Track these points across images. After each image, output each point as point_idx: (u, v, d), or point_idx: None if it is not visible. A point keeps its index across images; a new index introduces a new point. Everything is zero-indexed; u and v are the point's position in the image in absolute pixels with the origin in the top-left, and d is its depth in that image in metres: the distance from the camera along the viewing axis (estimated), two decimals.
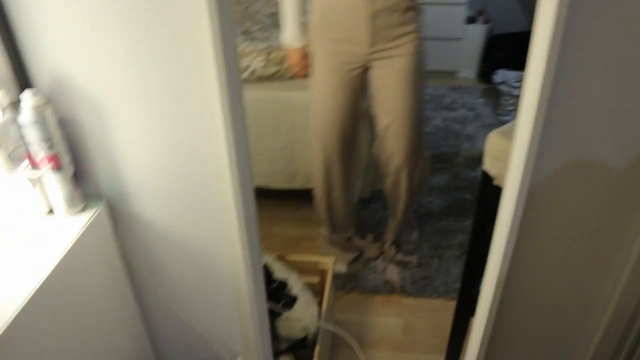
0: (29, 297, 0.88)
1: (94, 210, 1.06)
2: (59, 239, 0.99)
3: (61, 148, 0.99)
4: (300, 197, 2.33)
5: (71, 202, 1.03)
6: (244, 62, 2.07)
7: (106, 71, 0.97)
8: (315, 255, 2.07)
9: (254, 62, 2.06)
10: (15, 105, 0.97)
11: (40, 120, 0.95)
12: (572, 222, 1.04)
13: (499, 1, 3.57)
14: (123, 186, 1.09)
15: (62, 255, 0.96)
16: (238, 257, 1.13)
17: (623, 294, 1.07)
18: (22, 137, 0.98)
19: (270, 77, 2.08)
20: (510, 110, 3.15)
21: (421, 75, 1.76)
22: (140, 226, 1.14)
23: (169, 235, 1.15)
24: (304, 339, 1.45)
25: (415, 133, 1.82)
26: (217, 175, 1.04)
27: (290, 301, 1.50)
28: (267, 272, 1.55)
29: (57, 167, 0.99)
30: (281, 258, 1.67)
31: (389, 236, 2.13)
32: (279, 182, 2.27)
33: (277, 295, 1.50)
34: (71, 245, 0.99)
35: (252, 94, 2.13)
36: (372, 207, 2.38)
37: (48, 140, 0.97)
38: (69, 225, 1.02)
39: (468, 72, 3.71)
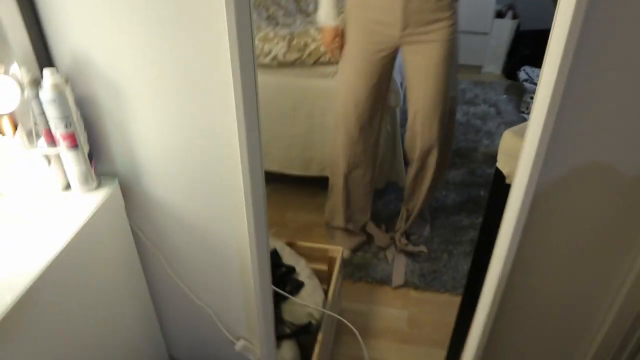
0: (43, 269, 0.91)
1: (108, 188, 1.09)
2: (74, 215, 1.02)
3: (78, 127, 1.02)
4: (316, 184, 2.35)
5: (86, 180, 1.06)
6: (266, 47, 2.08)
7: (125, 52, 0.99)
8: (326, 242, 2.09)
9: (276, 47, 2.06)
10: (37, 82, 1.00)
11: (59, 99, 0.97)
12: (577, 227, 1.03)
13: None
14: (136, 165, 1.12)
15: (76, 231, 0.99)
16: (245, 239, 1.15)
17: (626, 301, 1.06)
18: (41, 114, 1.01)
19: (292, 64, 2.08)
20: None
21: (453, 63, 1.75)
22: (152, 205, 1.17)
23: (179, 214, 1.17)
24: (308, 324, 1.47)
25: (444, 121, 1.83)
26: (228, 158, 1.06)
27: (297, 287, 1.52)
28: (277, 257, 1.58)
29: (74, 145, 1.02)
30: (291, 244, 1.69)
31: (401, 226, 2.14)
32: (294, 169, 2.28)
33: (284, 280, 1.52)
34: (85, 221, 1.02)
35: (273, 80, 2.14)
36: (386, 199, 2.38)
37: (66, 118, 0.99)
38: (84, 202, 1.05)
39: (493, 67, 3.66)
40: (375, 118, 1.87)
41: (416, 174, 1.97)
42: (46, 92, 0.97)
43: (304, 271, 1.57)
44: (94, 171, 1.08)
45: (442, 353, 1.59)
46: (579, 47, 0.82)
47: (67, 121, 1.00)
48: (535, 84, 3.29)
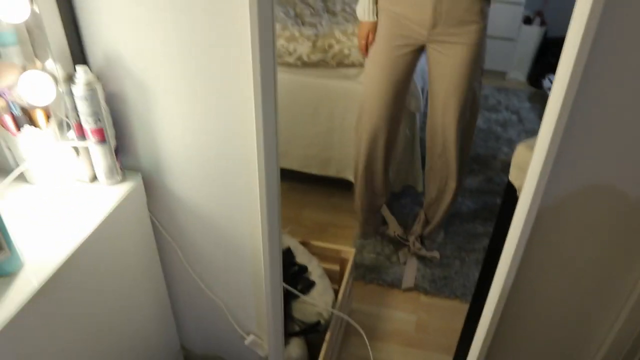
0: (68, 256, 0.96)
1: (132, 182, 1.14)
2: (98, 206, 1.07)
3: (107, 122, 1.07)
4: (333, 184, 2.38)
5: (111, 173, 1.11)
6: (291, 46, 2.11)
7: (154, 52, 1.03)
8: (340, 243, 2.12)
9: (301, 47, 2.10)
10: (70, 78, 1.05)
11: (91, 96, 1.02)
12: (581, 244, 1.05)
13: (559, 3, 3.46)
14: (159, 161, 1.16)
15: (100, 221, 1.04)
16: (259, 238, 1.18)
17: (629, 318, 1.07)
18: (73, 109, 1.05)
19: (315, 64, 2.11)
20: None
21: (478, 67, 1.76)
22: (172, 200, 1.21)
23: (197, 210, 1.21)
24: (317, 323, 1.50)
25: (465, 123, 1.84)
26: (245, 159, 1.09)
27: (308, 286, 1.55)
28: (290, 256, 1.61)
29: (102, 139, 1.07)
30: (305, 243, 1.73)
31: (417, 230, 2.16)
32: (312, 168, 2.32)
33: (296, 278, 1.56)
34: (109, 212, 1.07)
35: (296, 79, 2.17)
36: (402, 202, 2.40)
37: (95, 114, 1.04)
38: (108, 194, 1.10)
39: (518, 74, 3.63)
40: (400, 111, 1.90)
41: (435, 176, 2.00)
42: (79, 88, 1.01)
43: (315, 271, 1.61)
44: (119, 165, 1.13)
45: (448, 359, 1.61)
46: (587, 71, 0.84)
47: (96, 117, 1.04)
48: None
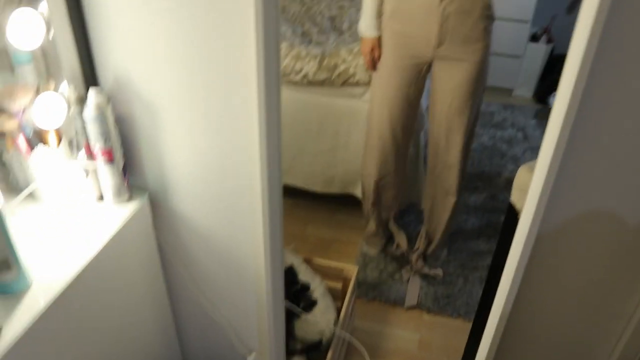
0: (75, 276, 0.98)
1: (138, 201, 1.16)
2: (106, 225, 1.09)
3: (115, 143, 1.10)
4: (337, 201, 2.40)
5: (119, 193, 1.13)
6: (298, 65, 2.14)
7: (163, 76, 1.06)
8: (344, 259, 2.14)
9: (307, 66, 2.13)
10: (82, 100, 1.08)
11: (101, 117, 1.05)
12: (581, 269, 1.06)
13: (566, 20, 3.48)
14: (165, 181, 1.19)
15: (107, 240, 1.07)
16: (262, 258, 1.20)
17: (629, 344, 1.08)
18: (84, 129, 1.08)
19: (321, 83, 2.14)
20: None
21: (482, 84, 1.78)
22: (177, 219, 1.24)
23: (201, 229, 1.24)
24: (319, 342, 1.52)
25: (467, 139, 1.86)
26: (249, 180, 1.12)
27: (310, 304, 1.57)
28: (293, 274, 1.63)
29: (110, 160, 1.09)
30: (308, 260, 1.74)
31: (420, 247, 2.17)
32: (316, 185, 2.34)
33: (298, 297, 1.58)
34: (116, 231, 1.09)
35: (302, 97, 2.20)
36: (406, 220, 2.41)
37: (105, 135, 1.07)
38: (115, 213, 1.13)
39: (524, 90, 3.64)
40: (407, 127, 1.93)
41: (434, 192, 2.02)
42: (90, 110, 1.04)
43: (318, 289, 1.62)
44: (127, 185, 1.15)
45: None
46: (585, 97, 0.86)
47: (106, 137, 1.07)
48: None
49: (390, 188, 2.07)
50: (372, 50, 1.81)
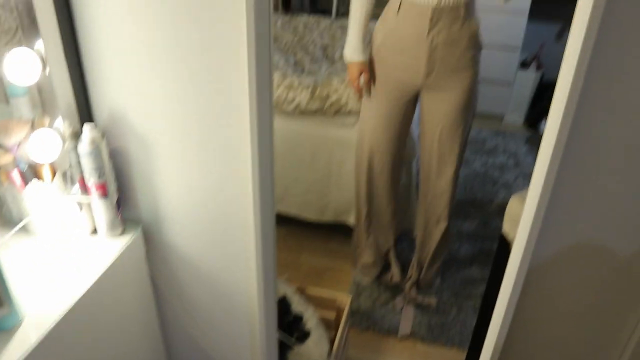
0: (67, 310, 0.98)
1: (132, 234, 1.17)
2: (99, 259, 1.10)
3: (110, 177, 1.11)
4: (330, 229, 2.41)
5: (112, 226, 1.14)
6: (290, 95, 2.17)
7: (157, 110, 1.08)
8: (338, 288, 2.13)
9: (300, 96, 2.16)
10: (77, 135, 1.09)
11: (95, 152, 1.06)
12: (572, 301, 1.07)
13: (555, 48, 3.56)
14: (159, 214, 1.20)
15: (99, 274, 1.07)
16: (255, 290, 1.21)
17: None
18: (78, 164, 1.10)
19: (313, 113, 2.17)
20: None
21: (471, 113, 1.81)
22: (170, 251, 1.24)
23: (194, 261, 1.24)
24: None
25: (458, 166, 1.89)
26: (242, 212, 1.13)
27: (303, 335, 1.56)
28: (286, 304, 1.63)
29: (104, 194, 1.10)
30: (301, 291, 1.74)
31: (412, 275, 2.17)
32: (310, 214, 2.35)
33: (291, 328, 1.57)
34: (109, 265, 1.09)
35: (294, 126, 2.23)
36: (399, 248, 2.42)
37: (99, 169, 1.08)
38: (109, 247, 1.13)
39: (515, 117, 3.69)
40: (396, 156, 1.95)
41: (426, 219, 2.03)
42: (84, 145, 1.06)
43: (311, 319, 1.62)
44: (120, 218, 1.16)
45: None
46: (573, 131, 0.88)
47: (100, 172, 1.08)
48: None
49: (382, 217, 2.08)
50: (361, 74, 1.81)
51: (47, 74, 1.08)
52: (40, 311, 0.98)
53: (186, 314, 1.32)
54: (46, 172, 1.11)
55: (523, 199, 1.35)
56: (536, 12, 3.32)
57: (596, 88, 0.86)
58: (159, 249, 1.24)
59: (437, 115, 1.80)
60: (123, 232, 1.17)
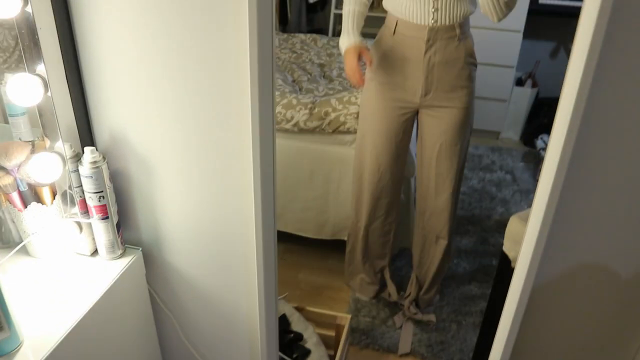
0: (66, 333, 0.98)
1: (132, 256, 1.17)
2: (98, 281, 1.10)
3: (110, 199, 1.11)
4: (329, 247, 2.40)
5: (112, 248, 1.14)
6: (289, 114, 2.19)
7: (158, 132, 1.09)
8: (336, 306, 2.13)
9: (298, 115, 2.17)
10: (78, 157, 1.10)
11: (96, 174, 1.07)
12: (575, 324, 1.07)
13: (549, 65, 3.60)
14: (159, 235, 1.20)
15: (99, 296, 1.07)
16: (255, 310, 1.21)
17: None
18: (79, 186, 1.10)
19: (312, 131, 2.18)
20: None
21: (468, 129, 1.83)
22: (170, 272, 1.24)
23: (195, 282, 1.24)
24: None
25: (456, 184, 1.89)
26: (244, 233, 1.13)
27: (304, 354, 1.55)
28: (286, 323, 1.62)
29: (105, 216, 1.11)
30: (300, 309, 1.74)
31: (411, 293, 2.17)
32: (308, 231, 2.35)
33: (291, 346, 1.56)
34: (108, 287, 1.09)
35: (293, 144, 2.24)
36: (397, 265, 2.42)
37: (100, 191, 1.09)
38: (108, 269, 1.13)
39: (511, 133, 3.72)
40: (395, 175, 1.95)
41: (424, 237, 2.03)
42: (85, 168, 1.06)
43: (311, 338, 1.61)
44: (121, 240, 1.16)
45: None
46: (576, 153, 0.89)
47: (101, 194, 1.09)
48: None
49: (380, 236, 2.08)
50: (359, 58, 1.70)
51: (49, 95, 1.09)
52: (39, 334, 0.97)
53: (187, 335, 1.32)
54: (46, 193, 1.11)
55: (522, 219, 1.36)
56: (531, 31, 3.37)
57: (599, 110, 0.87)
58: (159, 269, 1.24)
59: (435, 133, 1.81)
60: (123, 254, 1.17)
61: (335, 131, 2.16)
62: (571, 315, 1.08)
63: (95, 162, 1.06)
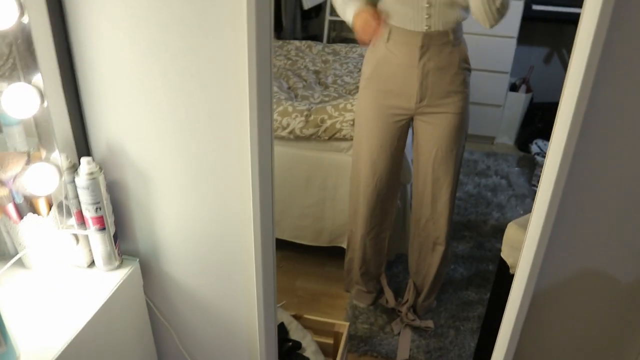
0: (65, 346, 0.97)
1: (129, 267, 1.16)
2: (96, 293, 1.09)
3: (107, 210, 1.10)
4: (326, 254, 2.40)
5: (109, 259, 1.13)
6: (285, 121, 2.19)
7: (154, 142, 1.08)
8: (334, 313, 2.12)
9: (294, 122, 2.17)
10: (74, 168, 1.09)
11: (93, 185, 1.06)
12: (575, 331, 1.07)
13: (543, 71, 3.62)
14: (157, 245, 1.19)
15: (97, 308, 1.06)
16: (254, 320, 1.20)
17: None
18: (75, 197, 1.09)
19: (308, 138, 2.18)
20: None
21: (463, 135, 1.83)
22: (168, 283, 1.23)
23: (193, 292, 1.23)
24: None
25: (452, 191, 1.89)
26: (241, 242, 1.12)
27: None
28: (284, 331, 1.61)
29: (102, 227, 1.10)
30: (298, 317, 1.73)
31: (408, 299, 2.16)
32: (305, 238, 2.34)
33: (290, 355, 1.55)
34: (106, 299, 1.08)
35: (289, 151, 2.24)
36: (394, 271, 2.41)
37: (97, 202, 1.08)
38: (106, 280, 1.12)
39: (506, 138, 3.73)
40: (391, 182, 1.95)
41: (421, 244, 2.03)
42: (82, 179, 1.05)
43: (310, 347, 1.60)
44: (118, 251, 1.15)
45: None
46: (575, 159, 0.89)
47: (97, 205, 1.08)
48: None
49: (376, 244, 2.08)
50: (372, 19, 1.59)
51: (45, 106, 1.08)
52: (36, 348, 0.96)
53: (185, 345, 1.31)
54: (42, 205, 1.10)
55: (520, 226, 1.36)
56: (525, 37, 3.39)
57: (598, 116, 0.87)
58: (157, 280, 1.23)
59: (430, 140, 1.82)
60: (120, 265, 1.16)
61: (331, 138, 2.16)
62: (571, 322, 1.08)
63: (91, 172, 1.05)
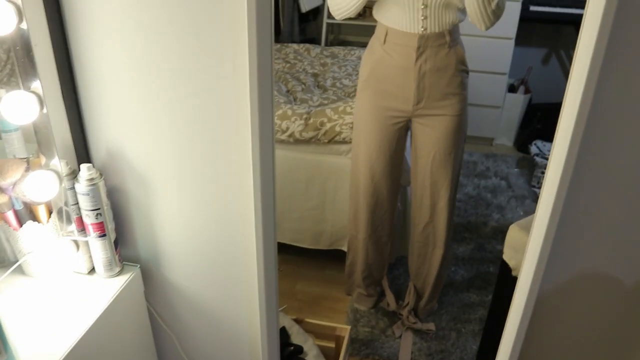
0: (65, 354, 0.96)
1: (130, 273, 1.15)
2: (96, 300, 1.08)
3: (107, 217, 1.10)
4: (326, 256, 2.39)
5: (110, 266, 1.13)
6: (284, 124, 2.18)
7: (154, 148, 1.08)
8: (335, 316, 2.11)
9: (293, 125, 2.17)
10: (74, 174, 1.08)
11: (93, 192, 1.06)
12: (580, 333, 1.07)
13: (542, 72, 3.63)
14: (158, 251, 1.19)
15: (98, 315, 1.05)
16: (257, 326, 1.19)
17: None
18: (75, 204, 1.09)
19: (307, 141, 2.18)
20: None
21: (462, 137, 1.82)
22: (169, 289, 1.22)
23: (194, 298, 1.23)
24: None
25: (452, 193, 1.89)
26: (243, 246, 1.12)
27: None
28: (285, 336, 1.61)
29: (102, 233, 1.09)
30: (299, 321, 1.72)
31: (409, 302, 2.16)
32: (305, 241, 2.34)
33: (292, 359, 1.55)
34: (107, 305, 1.08)
35: (289, 154, 2.23)
36: (395, 273, 2.41)
37: (97, 209, 1.07)
38: (106, 287, 1.12)
39: (505, 140, 3.73)
40: (391, 185, 1.95)
41: (420, 247, 2.02)
42: (82, 186, 1.05)
43: (312, 350, 1.60)
44: (118, 257, 1.15)
45: None
46: (578, 162, 0.89)
47: (98, 212, 1.08)
48: (546, 159, 3.35)
49: (378, 247, 2.07)
50: None
51: (44, 112, 1.07)
52: (36, 355, 0.96)
53: (186, 351, 1.30)
54: (42, 211, 1.10)
55: (522, 228, 1.35)
56: (523, 38, 3.39)
57: (602, 118, 0.87)
58: (158, 286, 1.23)
59: (429, 142, 1.81)
60: (121, 271, 1.16)
61: (331, 141, 2.15)
62: (575, 324, 1.07)
63: (92, 179, 1.05)
